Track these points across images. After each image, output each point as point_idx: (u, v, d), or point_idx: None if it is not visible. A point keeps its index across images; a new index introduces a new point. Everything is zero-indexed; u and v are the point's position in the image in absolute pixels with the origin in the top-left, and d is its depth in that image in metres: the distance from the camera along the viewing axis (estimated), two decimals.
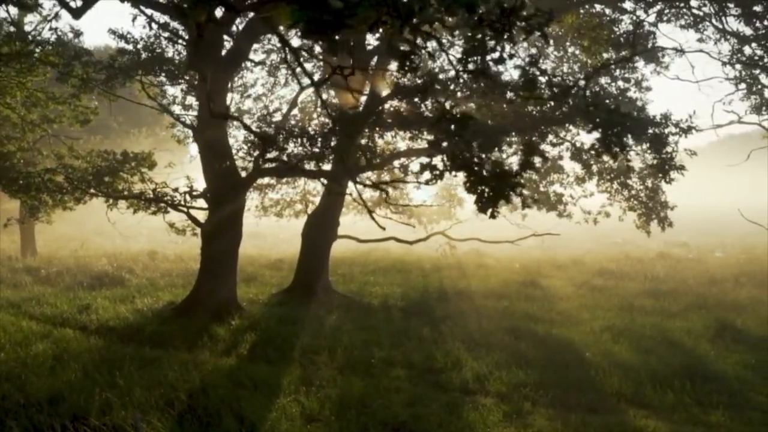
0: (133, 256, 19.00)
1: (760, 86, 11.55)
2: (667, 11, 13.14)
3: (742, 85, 11.91)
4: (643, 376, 7.78)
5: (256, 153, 10.09)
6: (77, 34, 12.60)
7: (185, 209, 11.83)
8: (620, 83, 15.50)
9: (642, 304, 13.07)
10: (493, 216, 3.65)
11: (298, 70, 9.25)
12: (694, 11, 11.68)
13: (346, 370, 8.23)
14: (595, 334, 10.41)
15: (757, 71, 11.15)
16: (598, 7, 14.20)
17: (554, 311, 12.53)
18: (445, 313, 12.01)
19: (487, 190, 3.44)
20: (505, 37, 3.31)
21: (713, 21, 11.51)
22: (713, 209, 50.94)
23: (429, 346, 9.42)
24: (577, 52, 16.14)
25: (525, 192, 3.56)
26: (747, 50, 11.00)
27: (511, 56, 3.86)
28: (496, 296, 14.00)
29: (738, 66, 11.48)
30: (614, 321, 11.34)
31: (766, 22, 10.25)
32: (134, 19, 11.18)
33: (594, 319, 11.64)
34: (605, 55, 15.78)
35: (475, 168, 3.47)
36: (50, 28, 11.96)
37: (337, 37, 2.52)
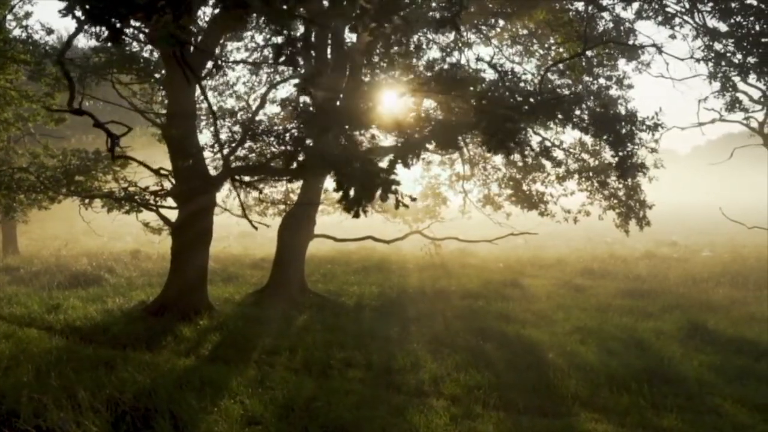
0: (115, 255, 18.94)
1: (732, 83, 11.38)
2: (646, 7, 13.00)
3: (717, 84, 11.71)
4: (602, 378, 7.65)
5: (219, 152, 9.98)
6: (49, 31, 12.53)
7: (155, 208, 11.74)
8: (602, 81, 15.49)
9: (619, 304, 12.92)
10: (357, 215, 3.53)
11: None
12: (669, 9, 11.50)
13: (302, 371, 8.13)
14: (565, 334, 10.27)
15: (731, 69, 10.96)
16: (577, 4, 14.10)
17: (530, 311, 12.39)
18: (418, 313, 11.90)
19: (353, 188, 3.33)
20: (384, 28, 3.19)
21: (687, 17, 11.33)
22: (711, 208, 50.58)
23: (393, 346, 9.30)
24: (561, 49, 16.06)
25: (399, 190, 3.42)
26: (719, 47, 10.82)
27: (418, 49, 3.72)
28: (473, 296, 13.88)
29: (711, 63, 11.30)
30: (587, 321, 11.20)
31: (739, 18, 10.08)
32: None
33: (567, 319, 11.51)
34: (589, 53, 15.71)
35: (342, 166, 3.35)
36: (20, 26, 11.86)
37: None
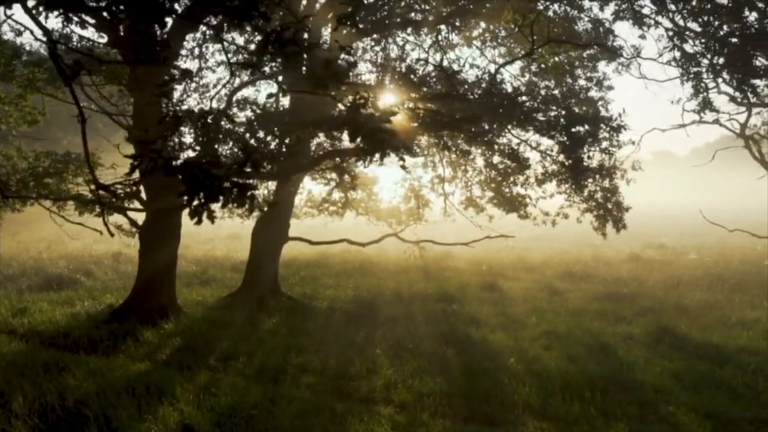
0: (95, 258, 18.85)
1: (704, 84, 11.22)
2: (624, 8, 12.86)
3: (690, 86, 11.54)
4: (557, 386, 7.49)
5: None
6: (18, 32, 12.46)
7: (122, 210, 11.64)
8: (582, 82, 15.38)
9: (595, 308, 12.77)
10: (199, 222, 3.41)
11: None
12: (645, 9, 11.36)
13: (255, 376, 8.00)
14: (532, 339, 10.12)
15: (702, 70, 10.81)
16: (554, 5, 13.99)
17: (503, 315, 12.25)
18: (389, 317, 11.76)
19: (198, 195, 3.21)
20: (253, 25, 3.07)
21: (660, 17, 11.17)
22: (705, 209, 50.30)
23: (354, 351, 9.16)
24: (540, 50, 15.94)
25: (256, 195, 3.30)
26: (689, 48, 10.68)
27: (312, 46, 3.62)
28: (449, 299, 13.73)
29: (681, 64, 11.14)
30: (558, 326, 11.04)
31: (709, 18, 9.91)
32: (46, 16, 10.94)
33: (539, 323, 11.35)
34: (572, 53, 15.59)
35: (186, 171, 3.24)
36: None
37: None
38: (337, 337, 10.18)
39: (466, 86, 12.46)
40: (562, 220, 15.16)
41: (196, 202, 3.24)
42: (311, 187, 19.38)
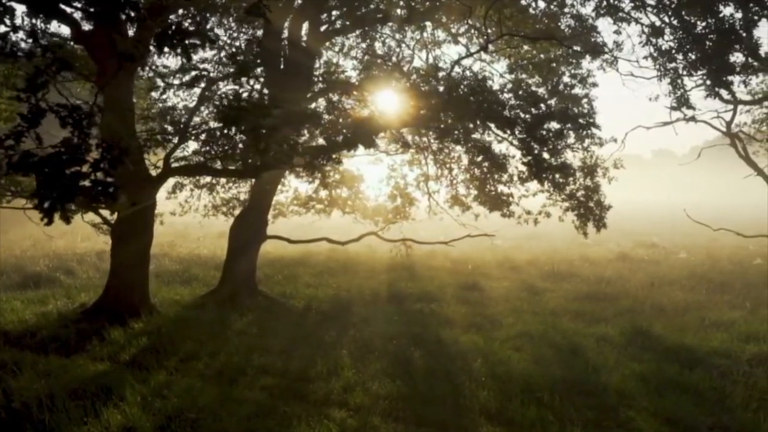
0: (79, 255, 18.75)
1: (680, 81, 11.00)
2: (604, 4, 12.65)
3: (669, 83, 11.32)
4: (518, 389, 7.33)
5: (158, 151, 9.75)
6: None
7: (94, 208, 11.51)
8: (566, 79, 15.17)
9: (575, 308, 12.59)
10: (50, 222, 3.27)
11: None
12: (623, 4, 11.15)
13: (214, 378, 7.87)
14: (504, 341, 9.95)
15: (679, 65, 10.59)
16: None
17: (480, 315, 12.08)
18: (363, 317, 11.60)
19: (52, 194, 3.07)
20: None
21: (638, 13, 10.96)
22: (700, 208, 49.96)
23: (319, 352, 9.02)
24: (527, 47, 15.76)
25: (117, 195, 3.17)
26: (663, 44, 10.47)
27: (214, 41, 3.47)
28: (429, 299, 13.57)
29: (657, 60, 10.92)
30: (534, 326, 10.88)
31: (687, 13, 9.69)
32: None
33: (515, 324, 11.18)
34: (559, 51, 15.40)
35: (42, 168, 3.10)
36: None
37: None
38: (306, 337, 10.04)
39: (448, 84, 12.32)
40: (552, 219, 14.99)
41: (48, 201, 3.10)
42: (297, 185, 19.26)
